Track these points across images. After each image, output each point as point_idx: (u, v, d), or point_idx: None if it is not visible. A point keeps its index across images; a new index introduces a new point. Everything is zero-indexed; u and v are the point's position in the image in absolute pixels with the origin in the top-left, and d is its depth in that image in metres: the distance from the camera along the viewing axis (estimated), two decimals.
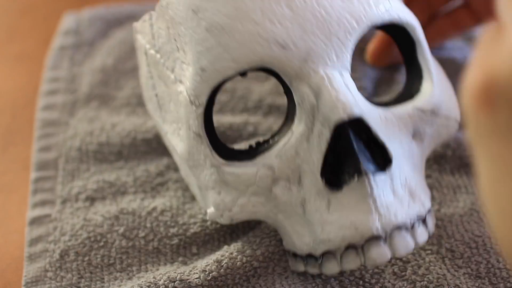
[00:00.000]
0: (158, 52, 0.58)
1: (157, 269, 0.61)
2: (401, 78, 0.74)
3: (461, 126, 0.61)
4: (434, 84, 0.57)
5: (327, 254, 0.53)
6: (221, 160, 0.55)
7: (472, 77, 0.37)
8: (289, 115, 0.55)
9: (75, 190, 0.67)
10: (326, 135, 0.52)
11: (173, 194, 0.66)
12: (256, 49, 0.51)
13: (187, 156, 0.56)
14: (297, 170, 0.54)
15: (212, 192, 0.56)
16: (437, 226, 0.61)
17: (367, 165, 0.51)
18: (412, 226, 0.53)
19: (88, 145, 0.71)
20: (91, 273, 0.61)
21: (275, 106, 0.72)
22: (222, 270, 0.58)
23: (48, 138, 0.73)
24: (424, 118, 0.56)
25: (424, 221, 0.54)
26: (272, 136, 0.56)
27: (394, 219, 0.51)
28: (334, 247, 0.53)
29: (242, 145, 0.67)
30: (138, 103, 0.75)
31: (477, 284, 0.58)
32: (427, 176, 0.66)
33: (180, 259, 0.61)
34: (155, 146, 0.70)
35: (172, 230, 0.63)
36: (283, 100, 0.66)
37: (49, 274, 0.61)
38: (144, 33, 0.60)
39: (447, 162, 0.67)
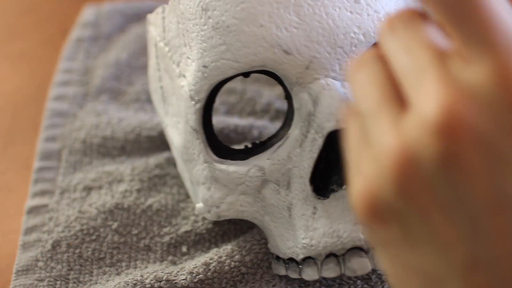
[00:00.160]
0: (167, 45, 0.59)
1: (146, 267, 0.61)
2: None
3: None
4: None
5: (308, 259, 0.54)
6: (214, 157, 0.56)
7: (356, 190, 0.36)
8: (287, 120, 0.55)
9: (75, 181, 0.67)
10: (319, 142, 0.52)
11: (169, 190, 0.66)
12: (259, 52, 0.52)
13: (182, 149, 0.57)
14: (287, 174, 0.54)
15: (203, 187, 0.56)
16: None
17: None
18: None
19: (93, 138, 0.71)
20: (80, 265, 0.61)
21: (282, 111, 0.72)
22: (209, 273, 0.58)
23: (55, 128, 0.73)
24: None
25: None
26: (269, 139, 0.56)
27: None
28: (315, 254, 0.53)
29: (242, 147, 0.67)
30: (147, 99, 0.75)
31: None
32: None
33: (170, 258, 0.61)
34: (158, 144, 0.70)
35: (165, 230, 0.63)
36: None
37: (40, 264, 0.61)
38: (156, 25, 0.61)
39: None
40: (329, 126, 0.51)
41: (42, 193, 0.67)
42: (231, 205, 0.56)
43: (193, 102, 0.54)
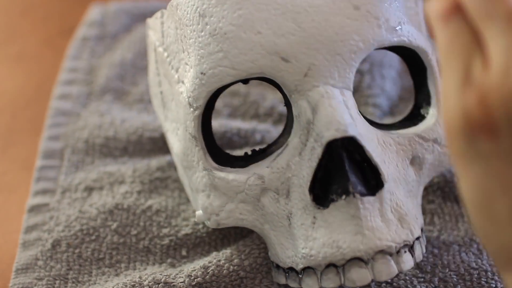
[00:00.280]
0: (166, 51, 0.59)
1: (145, 268, 0.61)
2: None
3: None
4: (440, 113, 0.57)
5: (308, 269, 0.53)
6: (213, 164, 0.55)
7: (466, 101, 0.37)
8: (287, 127, 0.55)
9: (76, 181, 0.68)
10: (318, 151, 0.51)
11: (170, 193, 0.66)
12: (257, 59, 0.51)
13: (182, 156, 0.57)
14: (287, 183, 0.54)
15: (202, 195, 0.56)
16: (433, 254, 0.60)
17: (356, 186, 0.50)
18: (398, 252, 0.52)
19: (95, 138, 0.71)
20: (80, 265, 0.61)
21: (285, 115, 0.72)
22: (207, 276, 0.58)
23: (58, 127, 0.73)
24: (425, 145, 0.56)
25: (411, 248, 0.53)
26: (269, 146, 0.56)
27: (379, 243, 0.51)
28: (315, 264, 0.52)
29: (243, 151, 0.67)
30: (150, 99, 0.75)
31: None
32: (430, 201, 0.65)
33: (169, 260, 0.61)
34: (160, 145, 0.70)
35: (164, 231, 0.63)
36: None
37: (40, 262, 0.61)
38: (155, 30, 0.61)
39: (452, 190, 0.65)
40: (328, 135, 0.50)
41: (44, 191, 0.67)
42: (231, 213, 0.55)
43: (192, 109, 0.54)
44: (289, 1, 0.51)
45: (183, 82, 0.56)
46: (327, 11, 0.52)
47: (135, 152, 0.71)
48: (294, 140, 0.53)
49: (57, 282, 0.60)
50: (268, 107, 0.73)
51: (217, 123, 0.70)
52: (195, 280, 0.58)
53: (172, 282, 0.58)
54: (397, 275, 0.57)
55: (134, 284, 0.58)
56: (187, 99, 0.54)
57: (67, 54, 0.82)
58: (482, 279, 0.58)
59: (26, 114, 0.78)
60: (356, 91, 0.70)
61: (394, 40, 0.54)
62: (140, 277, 0.58)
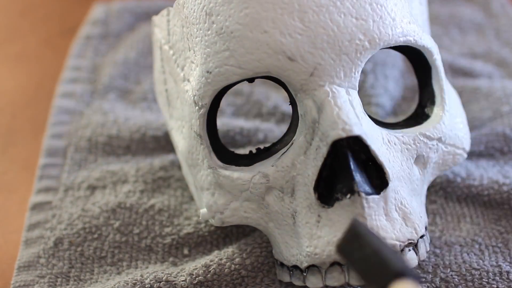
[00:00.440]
0: (172, 49, 0.59)
1: (147, 267, 0.61)
2: None
3: (470, 155, 0.60)
4: (445, 112, 0.57)
5: (312, 267, 0.53)
6: (218, 163, 0.55)
7: None
8: (292, 126, 0.55)
9: (79, 179, 0.68)
10: (323, 150, 0.51)
11: (173, 193, 0.66)
12: (263, 58, 0.51)
13: (186, 154, 0.57)
14: (292, 182, 0.54)
15: (207, 193, 0.56)
16: (435, 254, 0.60)
17: (361, 185, 0.50)
18: (402, 250, 0.52)
19: (98, 137, 0.71)
20: (82, 264, 0.61)
21: (289, 115, 0.72)
22: (209, 275, 0.58)
23: (61, 125, 0.73)
24: (429, 144, 0.56)
25: (415, 246, 0.53)
26: (274, 145, 0.56)
27: None
28: (319, 262, 0.52)
29: (246, 150, 0.67)
30: (154, 98, 0.75)
31: None
32: (432, 202, 0.65)
33: (171, 259, 0.61)
34: (163, 144, 0.71)
35: (167, 230, 0.63)
36: None
37: (42, 260, 0.61)
38: (161, 27, 0.61)
39: (455, 190, 0.65)
40: (333, 135, 0.50)
41: (47, 190, 0.67)
42: (235, 212, 0.56)
43: (197, 107, 0.54)
44: (296, 1, 0.51)
45: (188, 80, 0.56)
46: (333, 11, 0.52)
47: (138, 151, 0.71)
48: (299, 139, 0.53)
49: (59, 280, 0.60)
50: (271, 106, 0.74)
51: (220, 122, 0.70)
52: (197, 278, 0.58)
53: (174, 281, 0.58)
54: None
55: (136, 283, 0.58)
56: (192, 98, 0.54)
57: (70, 53, 0.82)
58: (484, 279, 0.58)
59: (26, 113, 0.78)
60: (359, 90, 0.70)
61: (400, 39, 0.54)
62: (141, 276, 0.58)
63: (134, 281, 0.58)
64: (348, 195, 0.50)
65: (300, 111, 0.53)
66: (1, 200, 0.69)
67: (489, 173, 0.66)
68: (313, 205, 0.52)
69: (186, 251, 0.62)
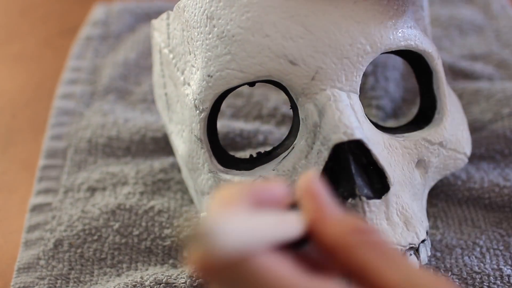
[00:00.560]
0: (172, 52, 0.58)
1: (147, 269, 0.61)
2: None
3: (471, 158, 0.60)
4: (446, 116, 0.57)
5: None
6: (219, 167, 0.55)
7: None
8: (293, 130, 0.55)
9: (79, 181, 0.68)
10: (325, 154, 0.51)
11: (173, 195, 0.66)
12: (265, 62, 0.51)
13: (187, 158, 0.57)
14: (293, 186, 0.53)
15: (207, 197, 0.56)
16: (435, 257, 0.60)
17: (362, 189, 0.50)
18: (403, 254, 0.52)
19: (98, 138, 0.71)
20: (82, 265, 0.61)
21: (289, 117, 0.72)
22: None
23: (61, 127, 0.73)
24: (430, 149, 0.56)
25: (417, 251, 0.53)
26: (274, 149, 0.56)
27: None
28: None
29: (247, 153, 0.67)
30: (154, 100, 0.75)
31: None
32: (433, 205, 0.65)
33: (171, 261, 0.61)
34: (163, 146, 0.70)
35: (166, 231, 0.63)
36: None
37: (41, 262, 0.61)
38: (161, 31, 0.61)
39: (455, 193, 0.65)
40: (335, 139, 0.50)
41: (46, 191, 0.67)
42: None
43: (198, 111, 0.54)
44: (297, 4, 0.51)
45: (189, 84, 0.56)
46: (335, 15, 0.51)
47: (138, 152, 0.71)
48: (300, 143, 0.53)
49: (59, 281, 0.60)
50: (271, 108, 0.73)
51: (220, 124, 0.69)
52: (197, 281, 0.57)
53: (174, 283, 0.58)
54: None
55: (136, 284, 0.58)
56: (193, 101, 0.54)
57: (70, 53, 0.82)
58: (485, 283, 0.58)
59: (26, 114, 0.78)
60: (360, 93, 0.70)
61: (401, 44, 0.54)
62: (141, 277, 0.58)
63: (134, 283, 0.58)
64: (350, 199, 0.50)
65: (301, 115, 0.53)
66: (1, 200, 0.69)
67: (490, 176, 0.66)
68: None
69: (186, 253, 0.62)
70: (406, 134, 0.56)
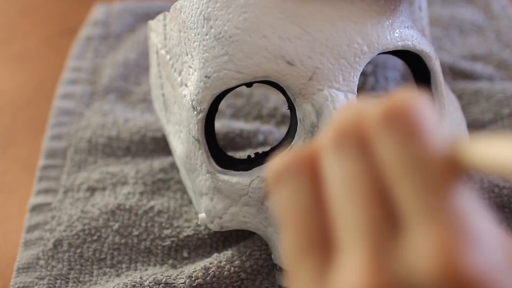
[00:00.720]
0: (168, 53, 0.59)
1: (146, 269, 0.61)
2: None
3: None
4: (444, 116, 0.57)
5: None
6: (217, 167, 0.55)
7: None
8: (291, 130, 0.55)
9: (79, 181, 0.68)
10: None
11: (173, 195, 0.66)
12: (262, 63, 0.51)
13: (185, 159, 0.57)
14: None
15: (205, 198, 0.56)
16: None
17: None
18: None
19: (98, 138, 0.71)
20: (81, 265, 0.61)
21: (289, 117, 0.72)
22: (208, 278, 0.58)
23: (61, 127, 0.73)
24: None
25: None
26: (272, 149, 0.56)
27: None
28: None
29: (247, 152, 0.67)
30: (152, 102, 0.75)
31: None
32: None
33: (170, 261, 0.61)
34: (163, 146, 0.70)
35: (166, 232, 0.63)
36: None
37: (41, 262, 0.61)
38: (158, 32, 0.61)
39: None
40: None
41: (46, 191, 0.67)
42: (234, 216, 0.56)
43: (195, 112, 0.54)
44: (294, 5, 0.51)
45: (186, 85, 0.56)
46: (333, 15, 0.51)
47: (138, 152, 0.71)
48: (298, 143, 0.53)
49: (58, 281, 0.60)
50: (271, 108, 0.73)
51: (220, 124, 0.70)
52: (196, 281, 0.58)
53: (173, 283, 0.58)
54: None
55: (135, 285, 0.58)
56: (190, 102, 0.54)
57: (70, 53, 0.82)
58: None
59: (26, 114, 0.78)
60: (360, 93, 0.70)
61: (399, 44, 0.54)
62: (141, 278, 0.58)
63: (133, 283, 0.58)
64: None
65: (298, 116, 0.53)
66: (1, 200, 0.69)
67: (489, 177, 0.66)
68: None
69: (185, 254, 0.62)
70: None
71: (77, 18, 0.89)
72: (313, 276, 0.32)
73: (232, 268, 0.58)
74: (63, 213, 0.65)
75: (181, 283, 0.58)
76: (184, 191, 0.66)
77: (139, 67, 0.80)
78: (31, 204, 0.66)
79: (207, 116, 0.54)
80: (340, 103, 0.51)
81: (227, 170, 0.55)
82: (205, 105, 0.54)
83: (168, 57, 0.59)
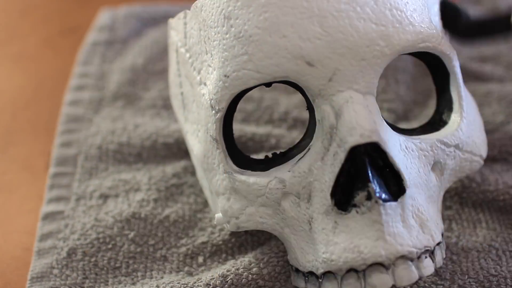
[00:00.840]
0: (188, 52, 0.58)
1: (162, 277, 0.60)
2: (435, 104, 0.73)
3: (485, 160, 0.60)
4: (463, 119, 0.57)
5: (328, 274, 0.52)
6: (234, 167, 0.55)
7: None
8: (309, 131, 0.54)
9: (91, 188, 0.67)
10: (341, 156, 0.51)
11: (186, 200, 0.66)
12: (282, 63, 0.51)
13: (202, 158, 0.57)
14: (308, 187, 0.53)
15: (222, 198, 0.56)
16: (452, 260, 0.60)
17: (379, 192, 0.50)
18: (419, 257, 0.52)
19: (109, 145, 0.71)
20: (96, 274, 0.60)
21: (300, 120, 0.72)
22: (226, 285, 0.57)
23: (70, 133, 0.73)
24: (447, 151, 0.55)
25: (432, 253, 0.53)
26: (290, 150, 0.55)
27: (400, 248, 0.50)
28: (335, 269, 0.52)
29: (260, 156, 0.67)
30: (163, 105, 0.75)
31: None
32: (448, 207, 0.64)
33: (186, 268, 0.61)
34: (175, 151, 0.70)
35: (182, 241, 0.63)
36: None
37: (55, 271, 0.61)
38: (178, 30, 0.60)
39: (470, 195, 0.65)
40: (351, 141, 0.50)
41: (58, 199, 0.67)
42: (251, 217, 0.55)
43: (214, 111, 0.54)
44: (315, 5, 0.51)
45: (205, 84, 0.55)
46: (353, 16, 0.51)
47: (150, 158, 0.70)
48: (316, 144, 0.53)
49: None
50: (282, 112, 0.73)
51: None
52: None
53: None
54: (416, 282, 0.56)
55: None
56: (209, 101, 0.54)
57: (77, 59, 0.81)
58: (501, 286, 0.58)
59: (26, 114, 0.78)
60: None
61: (419, 45, 0.53)
62: (157, 286, 0.58)
63: None
64: (366, 202, 0.50)
65: (317, 116, 0.53)
66: (1, 200, 0.69)
67: (504, 178, 0.65)
68: (330, 211, 0.52)
69: (201, 260, 0.61)
70: (422, 136, 0.55)
71: (77, 18, 0.89)
72: None
73: (250, 276, 0.58)
74: (76, 221, 0.64)
75: None
76: (197, 194, 0.66)
77: (147, 72, 0.79)
78: (43, 212, 0.65)
79: (225, 116, 0.54)
80: (360, 105, 0.51)
81: (244, 170, 0.55)
82: (224, 105, 0.53)
83: (187, 55, 0.58)
